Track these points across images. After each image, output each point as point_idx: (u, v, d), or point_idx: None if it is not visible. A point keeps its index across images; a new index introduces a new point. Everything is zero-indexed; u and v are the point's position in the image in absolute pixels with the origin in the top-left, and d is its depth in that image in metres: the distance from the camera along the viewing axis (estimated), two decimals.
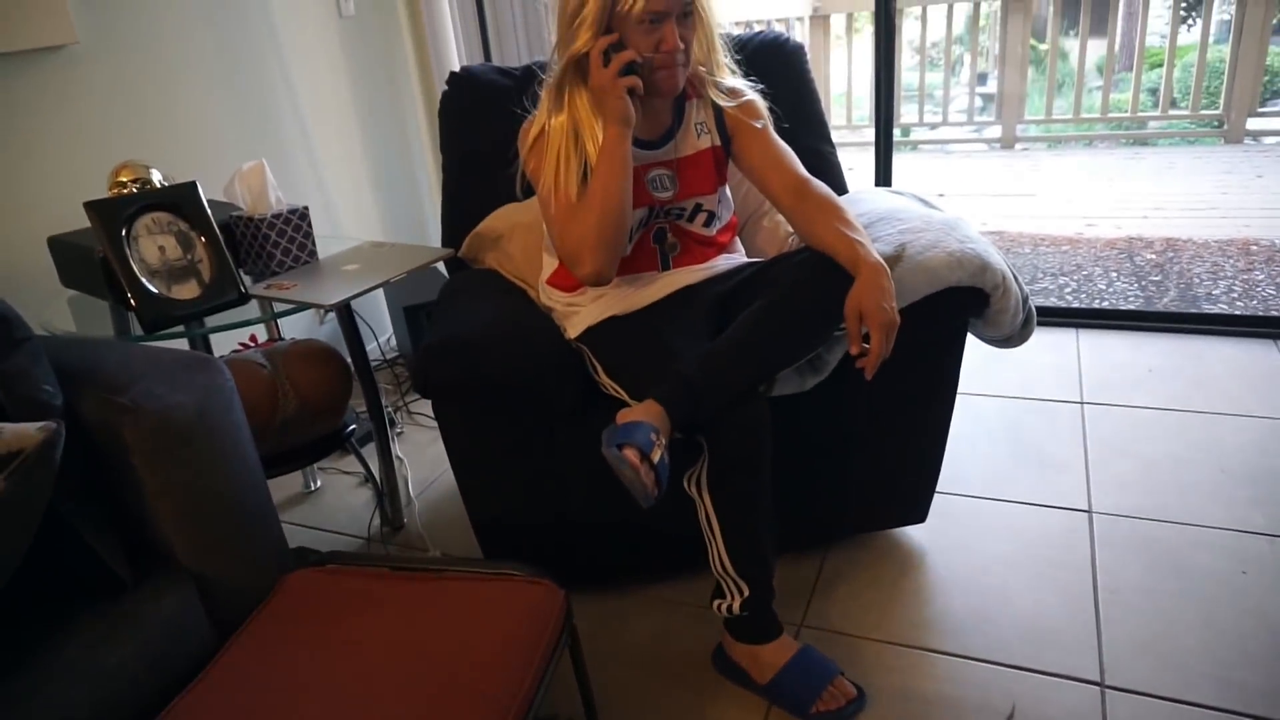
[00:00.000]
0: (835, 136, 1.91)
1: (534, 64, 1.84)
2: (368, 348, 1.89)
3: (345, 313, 1.71)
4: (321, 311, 2.47)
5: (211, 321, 1.55)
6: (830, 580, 1.62)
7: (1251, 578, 1.52)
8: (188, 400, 1.12)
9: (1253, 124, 4.97)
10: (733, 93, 1.45)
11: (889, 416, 1.53)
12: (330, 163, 2.52)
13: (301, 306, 1.55)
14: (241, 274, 1.58)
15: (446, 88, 1.87)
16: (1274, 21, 4.88)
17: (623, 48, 1.27)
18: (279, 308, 1.59)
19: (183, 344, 1.71)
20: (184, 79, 2.04)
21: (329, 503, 2.05)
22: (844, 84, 5.49)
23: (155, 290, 1.44)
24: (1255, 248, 3.34)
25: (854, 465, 1.58)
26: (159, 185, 1.56)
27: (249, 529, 1.23)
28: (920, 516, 1.68)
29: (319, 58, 2.46)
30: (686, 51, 1.32)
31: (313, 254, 1.73)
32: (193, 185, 1.53)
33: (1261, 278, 3.03)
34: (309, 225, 1.71)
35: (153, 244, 1.46)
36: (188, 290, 1.48)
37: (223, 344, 1.93)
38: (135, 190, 1.53)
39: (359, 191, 2.66)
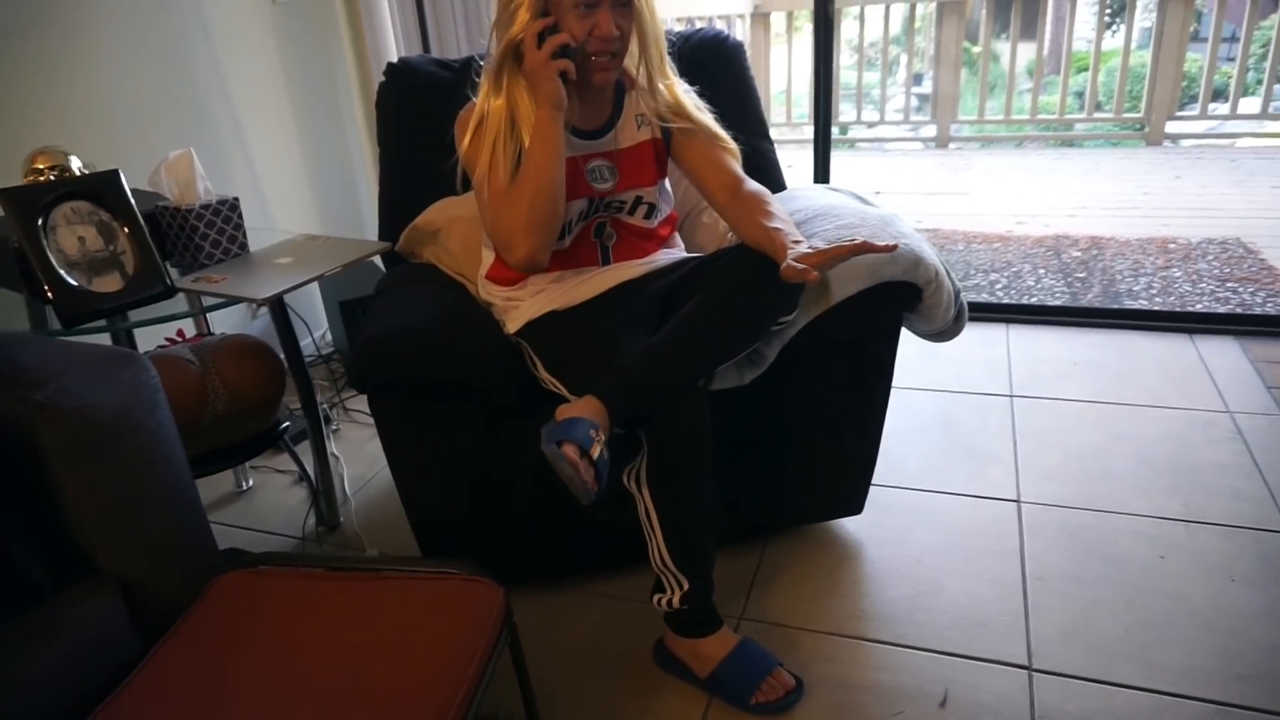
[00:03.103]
0: (775, 134, 1.94)
1: (474, 56, 1.81)
2: (303, 343, 1.84)
3: (278, 307, 1.67)
4: (254, 306, 2.40)
5: (136, 315, 1.49)
6: (769, 573, 1.64)
7: (1170, 563, 1.59)
8: (110, 398, 1.08)
9: (1172, 127, 5.17)
10: (677, 112, 1.43)
11: (826, 410, 1.56)
12: (263, 153, 2.46)
13: (231, 300, 1.50)
14: (168, 266, 1.53)
15: (384, 79, 1.83)
16: (1191, 30, 5.09)
17: (558, 31, 1.26)
18: (208, 302, 1.54)
19: (105, 339, 1.65)
20: (106, 62, 1.96)
21: (262, 502, 2.00)
22: (784, 82, 5.56)
23: (74, 283, 1.38)
24: (1173, 246, 3.48)
25: (792, 459, 1.60)
26: (78, 173, 1.50)
27: (176, 531, 1.18)
28: (857, 509, 1.71)
29: (251, 45, 2.39)
30: (623, 40, 1.32)
31: (244, 246, 1.68)
32: (115, 174, 1.47)
33: (1179, 275, 3.16)
34: (239, 217, 1.66)
35: (71, 234, 1.40)
36: (110, 283, 1.43)
37: (148, 339, 1.87)
38: (53, 178, 1.47)
39: (294, 183, 2.60)
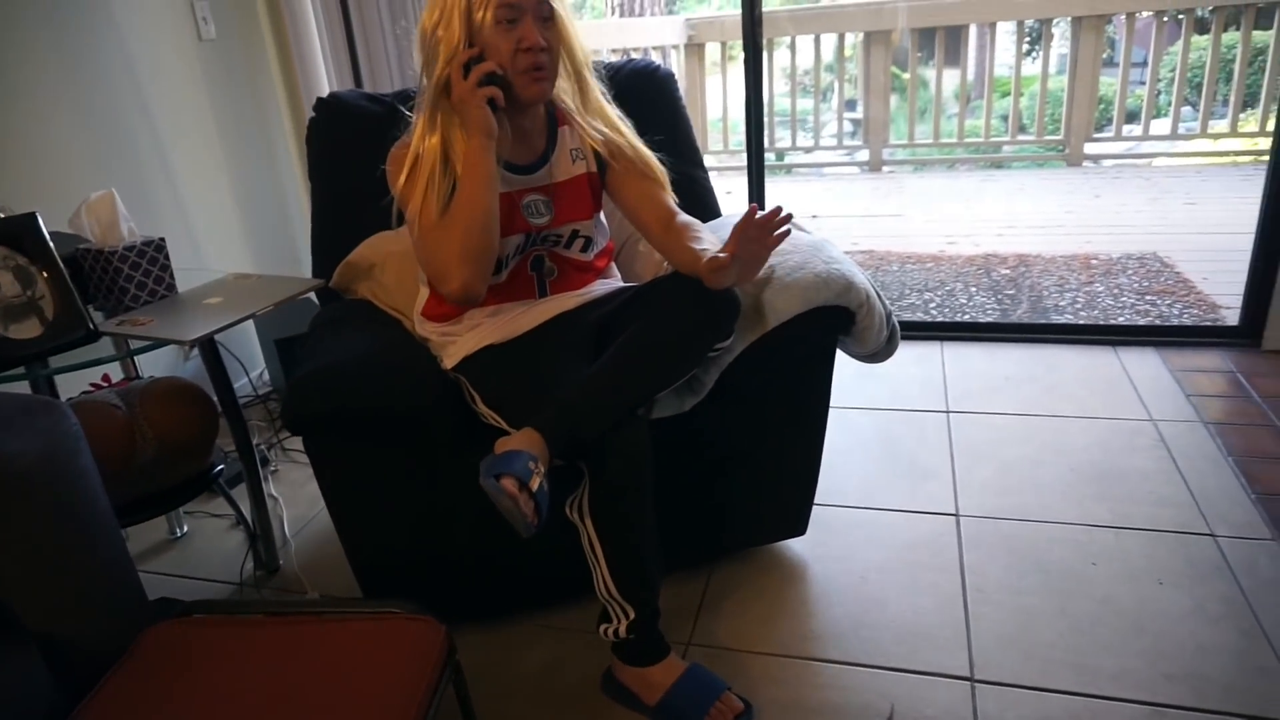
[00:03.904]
0: (714, 161, 1.98)
1: (406, 90, 1.81)
2: (239, 383, 1.81)
3: (209, 348, 1.63)
4: (185, 348, 2.34)
5: (57, 362, 1.45)
6: (716, 597, 1.64)
7: (1100, 568, 1.64)
8: (28, 447, 1.04)
9: (1090, 148, 5.40)
10: (611, 126, 1.46)
11: (766, 433, 1.57)
12: (193, 192, 2.41)
13: (158, 343, 1.47)
14: (90, 310, 1.49)
15: (313, 114, 1.82)
16: (1104, 55, 5.34)
17: (484, 60, 1.28)
18: (135, 345, 1.50)
19: (24, 387, 1.59)
20: (22, 101, 1.91)
21: (198, 548, 1.94)
22: (720, 110, 5.65)
23: None
24: (1095, 262, 3.62)
25: (734, 483, 1.61)
26: None
27: (101, 583, 1.14)
28: (800, 530, 1.73)
29: (178, 81, 2.35)
30: (551, 56, 1.33)
31: (171, 287, 1.64)
32: (32, 216, 1.43)
33: (1101, 289, 3.28)
34: (166, 257, 1.62)
35: None
36: (28, 329, 1.38)
37: (72, 386, 1.81)
38: None
39: (225, 222, 2.55)
